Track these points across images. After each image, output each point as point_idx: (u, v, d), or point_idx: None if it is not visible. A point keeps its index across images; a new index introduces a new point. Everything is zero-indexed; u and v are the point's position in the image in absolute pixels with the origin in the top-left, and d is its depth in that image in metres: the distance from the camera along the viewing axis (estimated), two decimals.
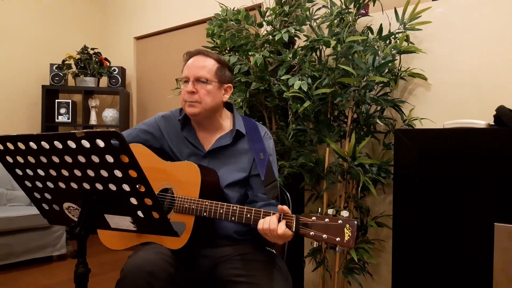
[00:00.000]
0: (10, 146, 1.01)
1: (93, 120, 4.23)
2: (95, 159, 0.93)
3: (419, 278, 1.62)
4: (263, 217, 1.19)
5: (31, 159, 1.02)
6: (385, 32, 1.99)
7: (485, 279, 1.47)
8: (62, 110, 4.10)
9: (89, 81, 4.11)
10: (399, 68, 2.06)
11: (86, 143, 0.91)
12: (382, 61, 1.84)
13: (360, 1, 2.04)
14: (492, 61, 1.88)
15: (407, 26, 1.95)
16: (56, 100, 4.11)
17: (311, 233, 1.11)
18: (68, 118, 4.10)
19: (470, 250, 1.51)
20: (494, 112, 1.62)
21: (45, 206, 1.14)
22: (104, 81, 4.29)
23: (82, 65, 4.10)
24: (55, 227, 3.25)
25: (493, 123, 1.62)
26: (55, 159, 0.98)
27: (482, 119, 1.61)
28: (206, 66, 1.43)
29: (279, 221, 1.16)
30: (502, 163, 1.45)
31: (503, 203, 1.45)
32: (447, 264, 1.56)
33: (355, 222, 1.07)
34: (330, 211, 1.15)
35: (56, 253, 3.28)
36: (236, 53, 2.22)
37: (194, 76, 1.41)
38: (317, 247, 1.63)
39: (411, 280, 1.64)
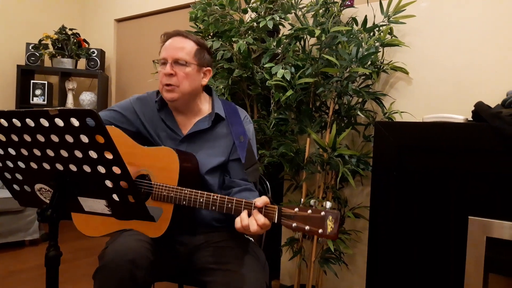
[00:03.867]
0: None
1: (69, 103, 4.11)
2: (69, 138, 0.90)
3: (394, 269, 1.65)
4: (244, 209, 1.16)
5: (1, 137, 0.97)
6: (369, 24, 1.99)
7: (458, 271, 1.50)
8: (38, 92, 3.97)
9: (67, 63, 3.99)
10: (382, 60, 2.07)
11: (60, 122, 0.87)
12: (366, 53, 1.83)
13: None
14: (473, 58, 1.90)
15: (391, 19, 1.95)
16: (32, 81, 3.97)
17: (293, 224, 1.10)
18: (44, 100, 3.97)
19: (444, 242, 1.54)
20: (473, 108, 1.65)
21: (16, 187, 1.10)
22: (82, 63, 4.16)
23: (60, 45, 3.97)
24: (27, 211, 3.16)
25: (471, 119, 1.64)
26: (27, 138, 0.94)
27: (461, 114, 1.63)
28: (185, 47, 1.38)
29: (261, 213, 1.13)
30: (478, 158, 1.48)
31: (477, 197, 1.47)
32: (422, 256, 1.59)
33: (338, 213, 1.07)
34: (312, 202, 1.13)
35: (28, 237, 3.20)
36: (220, 39, 2.18)
37: (172, 58, 1.37)
38: (296, 237, 1.62)
39: (386, 271, 1.67)
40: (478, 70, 1.89)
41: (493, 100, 1.66)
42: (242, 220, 1.13)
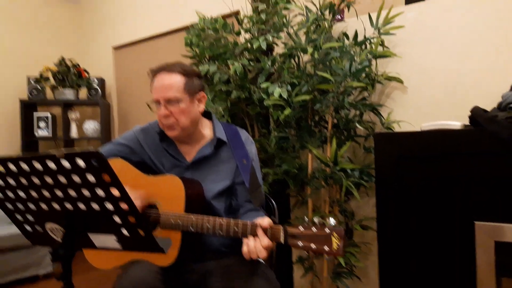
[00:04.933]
0: None
1: (74, 133, 4.17)
2: (76, 179, 0.93)
3: (406, 279, 1.65)
4: (250, 232, 1.19)
5: (11, 181, 1.00)
6: (360, 38, 2.03)
7: (468, 276, 1.50)
8: (42, 124, 4.03)
9: (68, 93, 4.04)
10: (376, 72, 2.10)
11: (66, 164, 0.90)
12: (359, 67, 1.87)
13: (335, 8, 2.07)
14: (465, 63, 1.93)
15: (381, 31, 1.99)
16: (35, 114, 4.03)
17: (300, 243, 1.12)
18: (48, 132, 4.03)
19: (452, 248, 1.55)
20: (469, 113, 1.67)
21: (28, 228, 1.13)
22: (83, 93, 4.23)
23: (60, 77, 4.03)
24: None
25: (468, 124, 1.66)
26: (36, 180, 0.97)
27: (459, 119, 1.65)
28: (173, 85, 1.38)
29: (267, 233, 1.16)
30: (478, 162, 1.49)
31: (481, 201, 1.48)
32: (432, 264, 1.60)
33: (342, 230, 1.08)
34: (315, 219, 1.15)
35: (42, 271, 3.22)
36: (215, 62, 2.22)
37: (163, 99, 1.37)
38: (306, 257, 1.63)
39: (399, 281, 1.67)
40: (471, 75, 1.91)
41: (489, 103, 1.68)
42: (248, 244, 1.16)
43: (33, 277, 3.20)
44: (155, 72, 1.43)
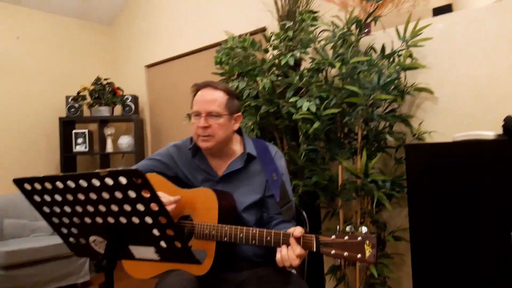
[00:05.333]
0: (38, 186, 1.08)
1: (109, 148, 4.33)
2: (118, 195, 0.99)
3: None
4: (283, 241, 1.22)
5: (57, 197, 1.08)
6: (388, 50, 2.04)
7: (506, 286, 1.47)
8: (79, 140, 4.22)
9: (104, 110, 4.23)
10: (405, 84, 2.10)
11: (109, 181, 0.97)
12: (387, 79, 1.88)
13: (362, 22, 2.09)
14: (496, 71, 1.90)
15: (409, 43, 1.99)
16: (73, 131, 4.24)
17: (332, 251, 1.14)
18: (86, 148, 4.21)
19: (487, 259, 1.52)
20: (502, 122, 1.64)
21: (72, 240, 1.20)
22: (118, 110, 4.41)
23: (96, 95, 4.23)
24: None
25: (502, 133, 1.64)
26: (81, 197, 1.04)
27: (491, 130, 1.63)
28: (216, 99, 1.45)
29: (299, 243, 1.19)
30: None
31: None
32: (466, 274, 1.57)
33: (375, 237, 1.10)
34: (347, 228, 1.17)
35: (81, 280, 3.35)
36: (244, 78, 2.28)
37: (205, 111, 1.44)
38: (338, 265, 1.64)
39: None
40: (503, 83, 1.88)
41: None
42: (282, 252, 1.19)
43: (72, 285, 3.33)
44: (199, 87, 1.50)
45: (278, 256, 1.21)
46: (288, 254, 1.18)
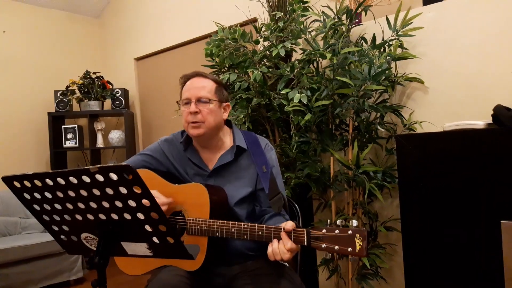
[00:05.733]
0: (27, 183, 1.06)
1: (99, 143, 4.29)
2: (109, 191, 0.98)
3: (431, 279, 1.65)
4: (274, 235, 1.22)
5: (48, 195, 1.06)
6: (378, 40, 2.04)
7: (494, 276, 1.49)
8: (69, 135, 4.17)
9: (94, 105, 4.18)
10: (396, 74, 2.10)
11: (100, 177, 0.95)
12: (378, 70, 1.88)
13: (352, 12, 2.08)
14: (486, 61, 1.91)
15: (399, 33, 1.99)
16: (63, 126, 4.18)
17: (323, 245, 1.14)
18: (76, 143, 4.16)
19: (477, 248, 1.54)
20: (491, 111, 1.66)
21: (63, 238, 1.19)
22: (108, 104, 4.36)
23: (86, 89, 4.17)
24: None
25: (492, 122, 1.65)
26: (71, 193, 1.03)
27: (480, 119, 1.64)
28: (206, 86, 1.47)
29: (291, 237, 1.19)
30: (502, 161, 1.48)
31: (507, 200, 1.47)
32: (457, 264, 1.59)
33: (365, 231, 1.10)
34: (338, 222, 1.17)
35: (73, 277, 3.33)
36: (235, 70, 2.27)
37: (195, 97, 1.44)
38: (329, 258, 1.65)
39: (424, 281, 1.67)
40: (493, 73, 1.90)
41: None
42: (273, 246, 1.20)
43: (65, 282, 3.31)
44: (188, 77, 1.51)
45: (269, 250, 1.21)
46: (279, 248, 1.19)
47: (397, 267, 2.24)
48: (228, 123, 1.61)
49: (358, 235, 1.11)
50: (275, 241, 1.21)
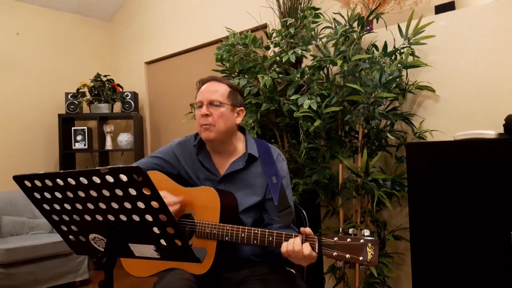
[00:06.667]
0: (38, 183, 1.07)
1: (108, 145, 4.32)
2: (119, 192, 0.98)
3: None
4: (285, 240, 1.21)
5: (58, 195, 1.07)
6: (390, 48, 2.03)
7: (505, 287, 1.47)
8: (79, 137, 4.21)
9: (103, 107, 4.21)
10: (407, 82, 2.09)
11: (110, 178, 0.96)
12: (389, 77, 1.87)
13: (364, 20, 2.08)
14: (498, 70, 1.90)
15: (411, 41, 1.98)
16: (73, 128, 4.22)
17: (334, 253, 1.14)
18: (85, 145, 4.20)
19: (488, 259, 1.51)
20: (503, 121, 1.64)
21: (72, 238, 1.19)
22: (117, 107, 4.39)
23: (96, 92, 4.21)
24: None
25: (503, 132, 1.64)
26: (81, 194, 1.03)
27: (491, 128, 1.63)
28: (219, 90, 1.48)
29: (302, 242, 1.18)
30: None
31: None
32: (467, 275, 1.57)
33: (377, 240, 1.10)
34: (350, 231, 1.17)
35: (79, 278, 3.34)
36: (245, 75, 2.27)
37: (207, 100, 1.46)
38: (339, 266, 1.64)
39: None
40: (505, 82, 1.88)
41: None
42: (294, 244, 1.17)
43: (70, 283, 3.32)
44: (204, 81, 1.52)
45: (284, 248, 1.19)
46: (294, 244, 1.17)
47: (405, 277, 2.21)
48: (242, 129, 1.61)
49: (370, 244, 1.10)
50: (298, 239, 1.19)
